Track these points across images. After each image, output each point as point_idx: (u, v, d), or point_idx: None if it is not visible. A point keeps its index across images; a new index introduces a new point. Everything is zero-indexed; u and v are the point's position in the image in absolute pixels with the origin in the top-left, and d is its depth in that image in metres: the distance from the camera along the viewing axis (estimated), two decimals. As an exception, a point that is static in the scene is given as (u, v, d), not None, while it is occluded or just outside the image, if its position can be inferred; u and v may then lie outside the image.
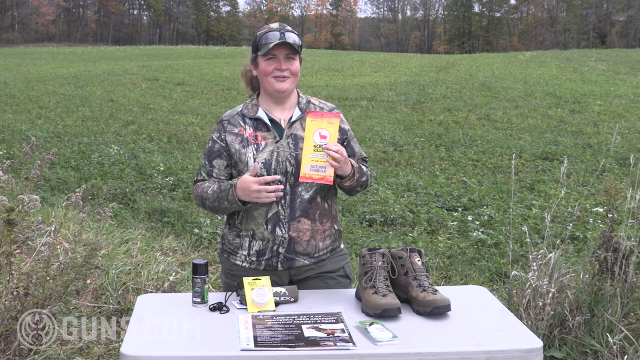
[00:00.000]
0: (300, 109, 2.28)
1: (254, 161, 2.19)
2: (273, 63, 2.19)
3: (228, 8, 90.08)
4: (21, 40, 66.58)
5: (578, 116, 14.37)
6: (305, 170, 2.08)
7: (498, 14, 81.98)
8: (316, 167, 2.08)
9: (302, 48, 2.27)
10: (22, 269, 3.09)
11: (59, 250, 3.83)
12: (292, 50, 2.19)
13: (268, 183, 2.13)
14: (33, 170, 2.83)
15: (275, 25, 2.23)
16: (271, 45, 2.15)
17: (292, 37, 2.19)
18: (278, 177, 2.15)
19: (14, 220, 2.62)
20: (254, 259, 2.26)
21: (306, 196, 2.22)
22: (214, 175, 2.28)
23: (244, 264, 2.28)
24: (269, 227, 2.21)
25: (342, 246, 2.40)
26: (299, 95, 2.31)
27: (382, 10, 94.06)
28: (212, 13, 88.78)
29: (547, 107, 15.73)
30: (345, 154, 2.12)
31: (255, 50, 2.23)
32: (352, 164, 2.18)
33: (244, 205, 2.17)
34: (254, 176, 2.13)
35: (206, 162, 2.29)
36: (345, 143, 2.29)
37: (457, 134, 12.19)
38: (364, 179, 2.27)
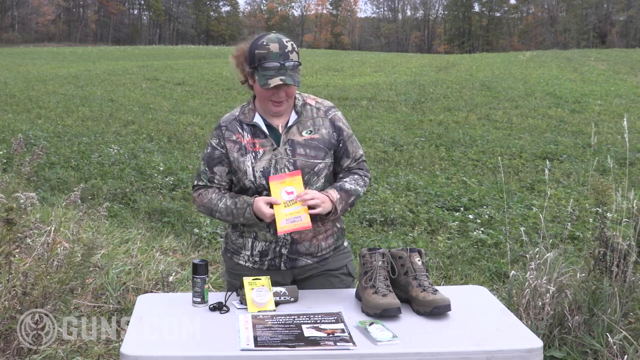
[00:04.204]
0: (297, 112, 2.26)
1: (252, 169, 2.18)
2: (271, 90, 2.14)
3: (228, 8, 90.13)
4: (21, 40, 66.53)
5: (578, 116, 14.37)
6: (282, 224, 2.10)
7: (498, 14, 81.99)
8: (291, 218, 2.10)
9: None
10: (21, 268, 3.09)
11: (58, 249, 3.83)
12: None
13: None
14: (24, 167, 2.83)
15: (274, 46, 2.10)
16: (271, 85, 2.08)
17: (293, 77, 2.10)
18: None
19: (13, 220, 2.62)
20: (257, 259, 2.27)
21: None
22: (216, 182, 2.26)
23: (247, 264, 2.29)
24: (272, 229, 2.21)
25: (345, 244, 2.39)
26: (295, 98, 2.29)
27: (382, 10, 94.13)
28: (212, 13, 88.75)
29: (547, 107, 15.72)
30: (319, 195, 2.12)
31: (252, 63, 2.14)
32: (331, 199, 2.16)
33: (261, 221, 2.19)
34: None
35: (206, 169, 2.27)
36: (340, 144, 2.29)
37: (457, 134, 12.19)
38: (352, 199, 2.23)
